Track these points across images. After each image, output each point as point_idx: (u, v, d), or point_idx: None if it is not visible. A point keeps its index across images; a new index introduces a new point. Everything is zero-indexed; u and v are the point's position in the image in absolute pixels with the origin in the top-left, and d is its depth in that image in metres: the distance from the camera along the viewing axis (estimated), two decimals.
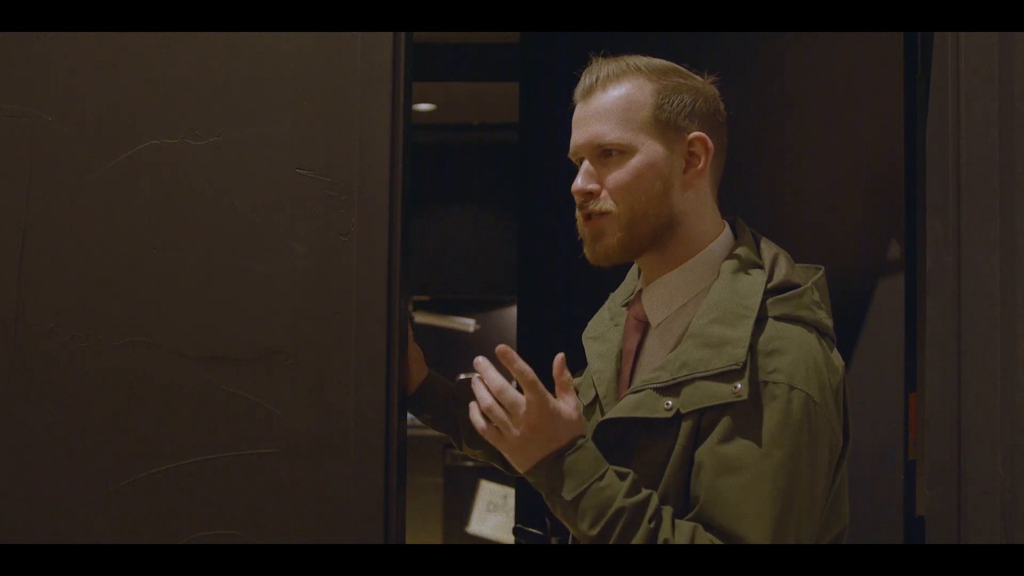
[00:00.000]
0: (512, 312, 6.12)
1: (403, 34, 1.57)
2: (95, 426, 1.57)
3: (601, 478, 1.30)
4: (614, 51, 1.45)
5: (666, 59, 1.45)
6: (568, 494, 1.29)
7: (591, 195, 1.39)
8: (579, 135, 1.41)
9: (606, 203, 1.38)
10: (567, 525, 1.33)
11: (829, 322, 1.39)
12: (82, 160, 1.59)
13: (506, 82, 4.52)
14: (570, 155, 1.44)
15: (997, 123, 1.50)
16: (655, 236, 1.39)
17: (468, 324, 5.72)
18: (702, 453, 1.30)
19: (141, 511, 1.56)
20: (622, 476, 1.31)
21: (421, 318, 5.73)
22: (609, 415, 1.37)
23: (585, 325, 1.60)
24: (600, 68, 1.41)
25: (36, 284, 1.58)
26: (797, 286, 1.36)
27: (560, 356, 1.34)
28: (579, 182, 1.40)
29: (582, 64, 1.44)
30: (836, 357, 1.37)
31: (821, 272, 1.43)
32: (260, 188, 1.57)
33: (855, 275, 1.73)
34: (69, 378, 1.57)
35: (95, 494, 1.56)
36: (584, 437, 1.33)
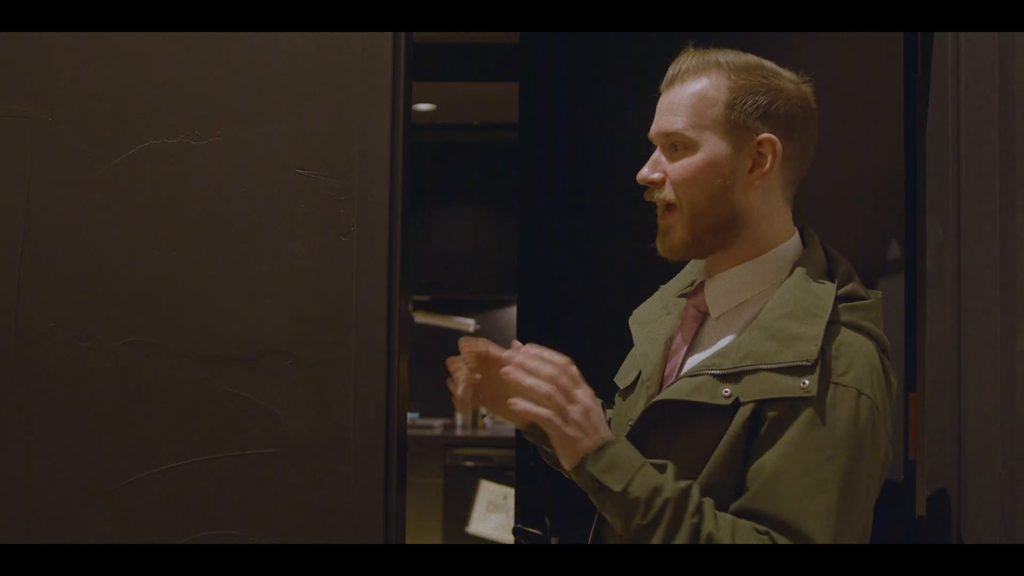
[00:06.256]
0: (512, 312, 6.12)
1: (403, 34, 1.57)
2: (95, 426, 1.57)
3: (643, 467, 1.30)
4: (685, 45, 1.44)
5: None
6: (616, 485, 1.28)
7: (654, 184, 1.42)
8: (654, 124, 1.44)
9: (669, 194, 1.41)
10: (615, 522, 1.31)
11: (887, 341, 1.40)
12: (82, 160, 1.59)
13: (506, 82, 4.53)
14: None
15: (997, 123, 1.50)
16: (718, 233, 1.40)
17: (468, 324, 5.71)
18: (766, 447, 1.30)
19: (141, 511, 1.56)
20: (660, 468, 1.31)
21: (421, 318, 5.72)
22: (664, 396, 1.37)
23: (584, 325, 1.60)
24: (684, 60, 1.42)
25: (36, 284, 1.58)
26: (865, 298, 1.38)
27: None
28: (644, 171, 1.43)
29: (582, 64, 1.44)
30: (893, 374, 1.38)
31: (879, 295, 1.44)
32: (260, 188, 1.57)
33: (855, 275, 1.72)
34: (69, 378, 1.57)
35: (95, 494, 1.56)
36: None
